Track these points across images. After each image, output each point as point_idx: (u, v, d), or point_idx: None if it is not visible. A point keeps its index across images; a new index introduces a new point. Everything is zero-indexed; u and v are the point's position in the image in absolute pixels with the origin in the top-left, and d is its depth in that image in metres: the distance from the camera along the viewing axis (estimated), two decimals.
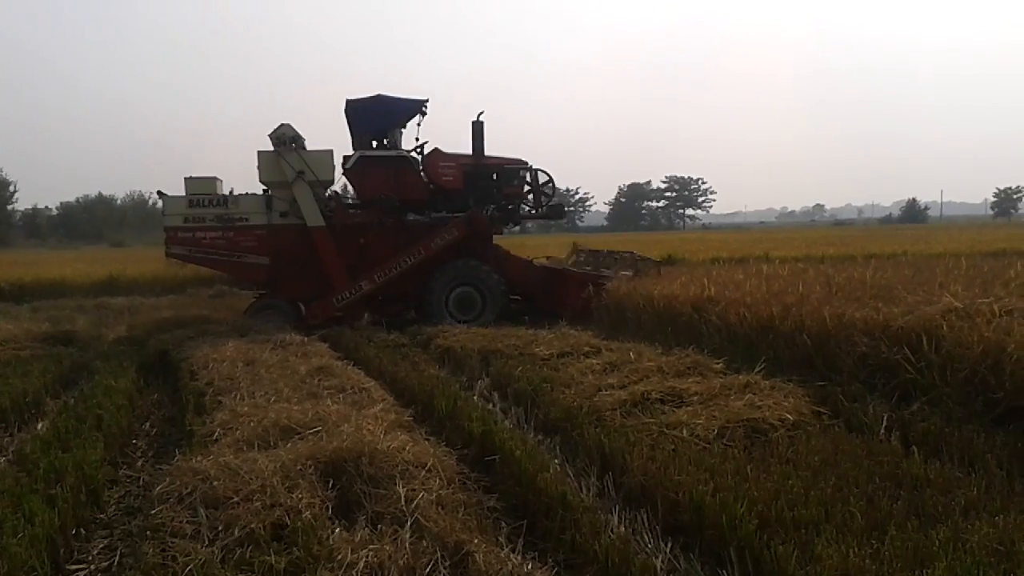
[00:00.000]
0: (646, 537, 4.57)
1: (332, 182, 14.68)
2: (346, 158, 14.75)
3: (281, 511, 4.45)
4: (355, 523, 4.48)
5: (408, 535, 4.27)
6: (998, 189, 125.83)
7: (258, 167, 14.14)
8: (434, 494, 4.80)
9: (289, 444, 5.60)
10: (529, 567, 4.09)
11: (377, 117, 14.84)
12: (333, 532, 4.32)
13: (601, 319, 12.84)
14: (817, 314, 8.36)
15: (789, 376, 7.57)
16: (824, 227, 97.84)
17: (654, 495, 4.91)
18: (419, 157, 14.80)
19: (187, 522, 4.43)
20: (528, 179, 15.43)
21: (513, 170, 15.33)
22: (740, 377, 7.51)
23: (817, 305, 8.74)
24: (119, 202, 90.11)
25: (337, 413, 6.44)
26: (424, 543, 4.19)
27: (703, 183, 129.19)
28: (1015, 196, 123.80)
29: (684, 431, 6.07)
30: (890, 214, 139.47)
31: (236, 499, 4.57)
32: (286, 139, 13.91)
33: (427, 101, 14.69)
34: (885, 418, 6.18)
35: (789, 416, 6.30)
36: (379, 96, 14.54)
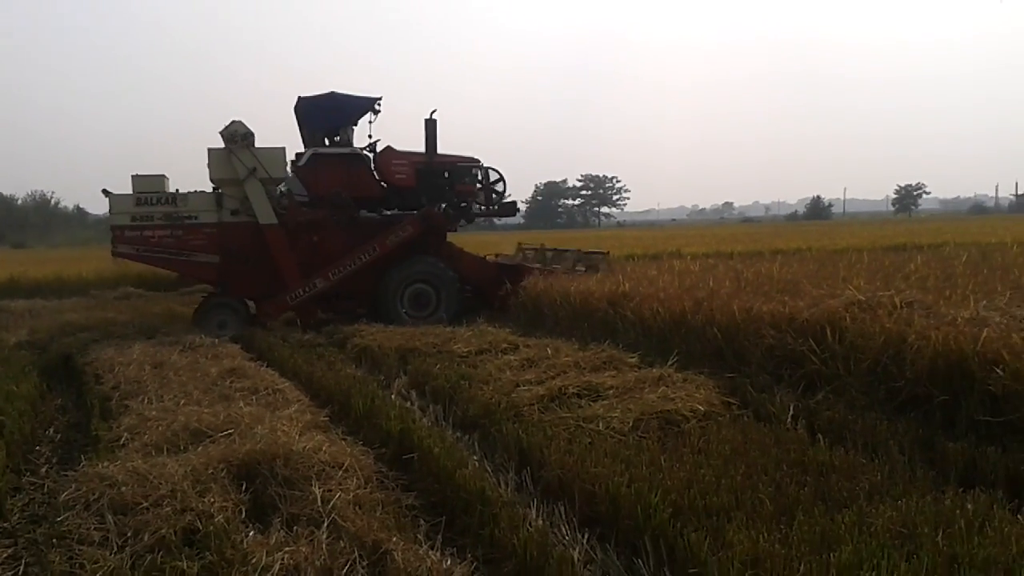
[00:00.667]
0: (564, 529, 4.62)
1: (284, 179, 14.46)
2: (298, 155, 14.62)
3: (192, 516, 4.35)
4: (270, 526, 4.41)
5: (325, 536, 4.23)
6: (899, 186, 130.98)
7: (208, 164, 13.82)
8: (351, 494, 4.78)
9: (200, 448, 5.49)
10: (448, 563, 4.10)
11: (330, 114, 14.72)
12: (247, 535, 4.25)
13: (518, 316, 12.91)
14: (727, 308, 8.57)
15: (701, 368, 7.75)
16: (733, 224, 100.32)
17: (571, 488, 4.98)
18: (371, 155, 14.73)
19: (95, 529, 4.31)
20: (480, 177, 15.49)
21: (465, 168, 15.36)
22: (654, 370, 7.66)
23: (727, 299, 8.97)
24: (20, 202, 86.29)
25: (250, 415, 6.34)
26: (341, 543, 4.16)
27: (617, 182, 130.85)
28: (915, 193, 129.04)
29: (600, 424, 6.16)
30: (796, 211, 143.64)
31: (145, 504, 4.46)
32: (238, 136, 13.60)
33: (380, 99, 14.64)
34: (792, 407, 6.38)
35: (701, 407, 6.46)
36: (332, 93, 14.42)
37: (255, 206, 13.73)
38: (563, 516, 4.78)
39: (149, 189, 13.61)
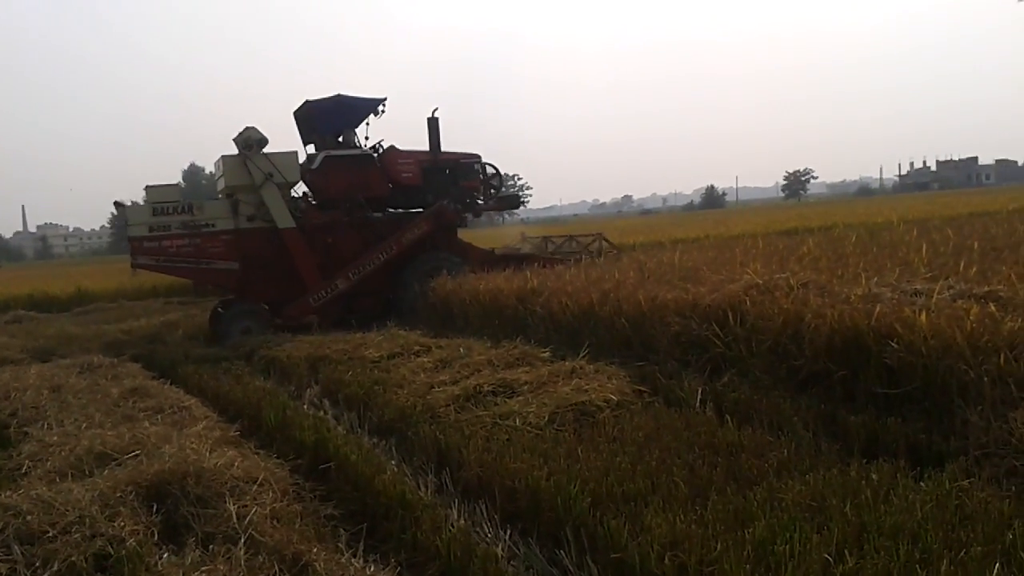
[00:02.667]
0: (486, 527, 4.64)
1: (297, 183, 14.51)
2: (310, 158, 14.73)
3: (103, 541, 4.19)
4: (185, 546, 4.28)
5: (243, 552, 4.13)
6: (787, 172, 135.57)
7: (221, 173, 13.89)
8: (268, 508, 4.67)
9: (106, 471, 5.29)
10: (372, 570, 4.07)
11: (337, 117, 14.96)
12: (161, 558, 4.12)
13: (429, 317, 12.88)
14: (633, 298, 8.73)
15: (611, 359, 7.88)
16: (632, 216, 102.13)
17: (491, 485, 5.00)
18: (376, 155, 14.96)
19: (1, 561, 4.10)
20: (480, 172, 15.89)
21: (468, 164, 15.73)
22: (566, 363, 7.74)
23: (632, 290, 9.14)
24: None
25: (156, 435, 6.14)
26: (260, 558, 4.08)
27: (519, 179, 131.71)
28: (803, 178, 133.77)
29: (517, 420, 6.20)
30: (692, 201, 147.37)
31: (53, 532, 4.26)
32: (252, 142, 13.62)
33: (385, 100, 14.93)
34: (700, 391, 6.54)
35: (613, 397, 6.57)
36: (339, 96, 14.60)
37: (273, 210, 13.82)
38: (485, 514, 4.81)
39: (164, 199, 13.66)
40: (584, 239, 17.34)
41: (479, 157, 16.00)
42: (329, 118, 14.98)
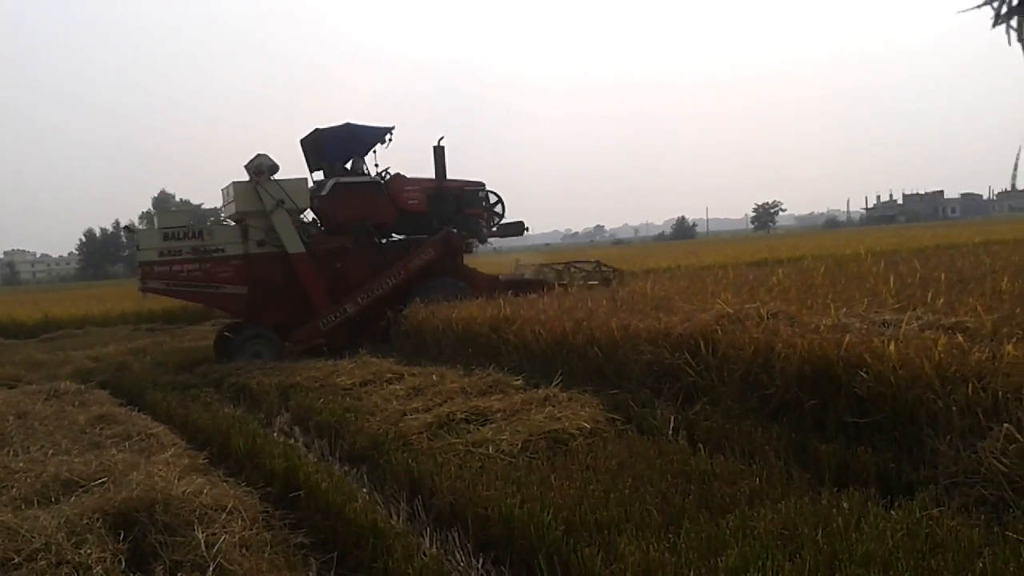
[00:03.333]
0: (459, 555, 4.61)
1: (306, 209, 14.64)
2: (319, 184, 14.99)
3: (69, 568, 4.12)
4: (152, 574, 4.22)
5: None
6: (756, 204, 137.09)
7: (232, 198, 14.07)
8: (237, 536, 4.62)
9: (73, 498, 5.21)
10: None
11: (347, 144, 15.25)
12: None
13: (402, 345, 12.83)
14: (605, 327, 8.77)
15: (584, 387, 7.88)
16: (604, 246, 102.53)
17: (464, 513, 4.97)
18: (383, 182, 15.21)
19: None
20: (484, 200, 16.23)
21: (472, 192, 16.08)
22: (539, 391, 7.74)
23: (605, 318, 9.18)
24: None
25: (124, 462, 6.05)
26: None
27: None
28: (772, 210, 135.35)
29: (490, 448, 6.18)
30: (663, 232, 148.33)
31: (18, 559, 4.19)
32: (264, 168, 13.83)
33: (392, 128, 15.23)
34: (672, 419, 6.57)
35: (586, 424, 6.57)
36: (348, 124, 14.95)
37: (283, 236, 13.97)
38: (457, 542, 4.77)
39: (176, 224, 13.87)
40: (584, 265, 17.48)
41: (483, 185, 16.36)
42: (338, 145, 15.26)
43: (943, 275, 10.53)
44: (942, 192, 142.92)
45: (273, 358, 12.85)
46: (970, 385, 5.11)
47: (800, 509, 4.43)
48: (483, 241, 16.90)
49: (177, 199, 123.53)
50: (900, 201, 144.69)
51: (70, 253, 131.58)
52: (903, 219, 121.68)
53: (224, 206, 15.29)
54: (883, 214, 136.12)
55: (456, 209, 15.81)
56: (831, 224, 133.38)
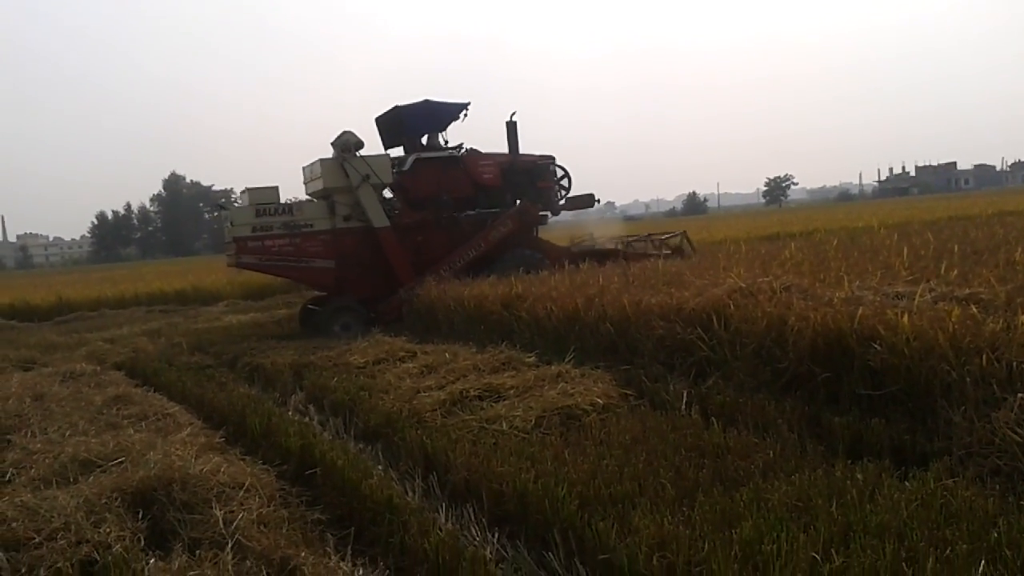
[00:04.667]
0: (474, 530, 4.64)
1: (389, 184, 15.03)
2: (399, 160, 15.36)
3: (89, 547, 4.17)
4: (171, 552, 4.26)
5: (230, 557, 4.12)
6: (768, 179, 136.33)
7: (318, 175, 14.52)
8: (254, 513, 4.66)
9: (91, 478, 5.26)
10: (360, 573, 4.08)
11: (426, 120, 15.67)
12: (148, 563, 4.09)
13: (414, 324, 12.87)
14: (617, 303, 8.76)
15: (596, 363, 7.89)
16: (616, 222, 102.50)
17: (479, 488, 5.00)
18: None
19: None
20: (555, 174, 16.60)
21: (544, 166, 16.39)
22: (552, 368, 7.76)
23: (617, 294, 9.17)
24: None
25: (141, 441, 6.11)
26: (248, 563, 4.07)
27: None
28: (783, 184, 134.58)
29: (503, 424, 6.20)
30: (673, 208, 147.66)
31: (38, 539, 4.24)
32: (350, 145, 14.29)
33: (468, 104, 15.63)
34: (685, 394, 6.57)
35: (599, 400, 6.58)
36: (427, 101, 15.33)
37: (369, 211, 14.41)
38: (472, 517, 4.80)
39: (266, 200, 14.23)
40: (668, 239, 17.44)
41: (554, 159, 16.63)
42: (417, 121, 15.62)
43: (956, 247, 10.47)
44: (955, 164, 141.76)
45: (362, 330, 12.99)
46: (984, 356, 5.08)
47: (814, 481, 4.43)
48: (556, 213, 17.14)
49: (188, 180, 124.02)
50: (913, 173, 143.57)
51: (82, 236, 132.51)
52: (916, 191, 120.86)
53: (307, 183, 15.64)
54: (896, 186, 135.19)
55: (528, 183, 16.13)
56: (843, 197, 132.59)
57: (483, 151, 15.83)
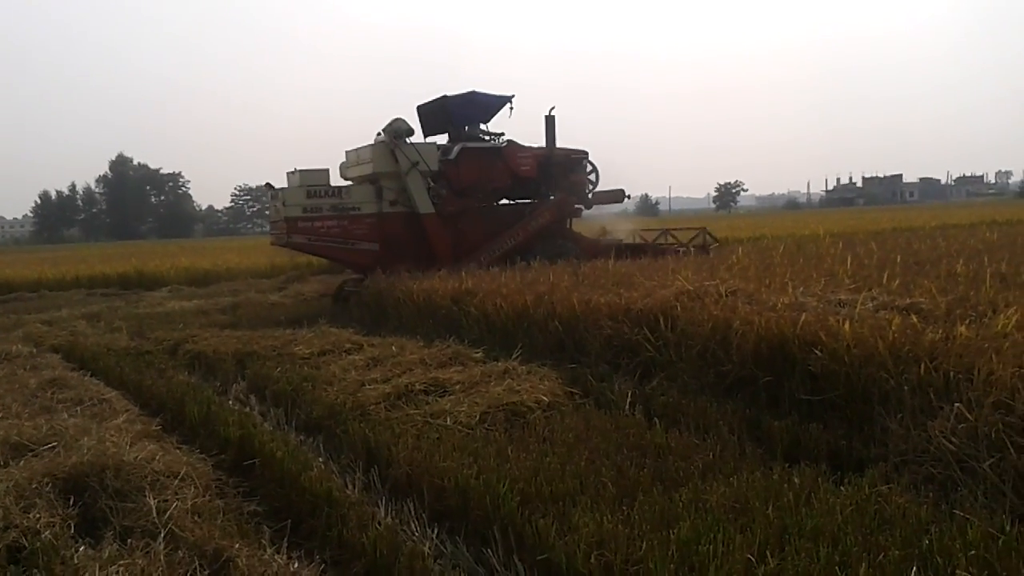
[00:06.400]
0: (413, 525, 4.60)
1: (436, 172, 15.35)
2: (446, 148, 15.71)
3: (17, 532, 4.07)
4: (102, 540, 4.17)
5: (162, 547, 4.03)
6: (719, 184, 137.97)
7: (368, 160, 15.00)
8: (189, 503, 4.59)
9: (22, 462, 5.13)
10: (296, 566, 4.01)
11: (472, 111, 16.18)
12: (77, 551, 4.00)
13: (362, 316, 12.76)
14: (567, 301, 8.78)
15: (544, 361, 7.90)
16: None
17: (420, 483, 4.96)
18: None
19: None
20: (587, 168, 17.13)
21: (577, 159, 16.93)
22: (499, 364, 7.74)
23: (567, 293, 9.19)
24: None
25: (75, 427, 5.97)
26: (180, 553, 3.99)
27: None
28: (733, 190, 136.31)
29: (448, 419, 6.17)
30: (626, 209, 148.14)
31: None
32: (401, 132, 14.76)
33: (513, 96, 16.17)
34: (629, 394, 6.60)
35: (545, 398, 6.58)
36: (473, 92, 15.95)
37: (415, 196, 14.97)
38: (412, 512, 4.76)
39: (317, 182, 14.66)
40: (679, 234, 18.06)
41: (587, 153, 17.12)
42: (464, 112, 16.09)
43: (899, 257, 10.71)
44: (901, 176, 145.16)
45: None
46: (922, 365, 5.18)
47: (752, 483, 4.48)
48: (588, 207, 17.52)
49: (135, 163, 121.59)
50: (859, 184, 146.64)
51: (24, 216, 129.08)
52: (862, 202, 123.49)
53: (350, 167, 16.03)
54: (842, 196, 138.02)
55: (562, 176, 16.58)
56: (791, 205, 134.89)
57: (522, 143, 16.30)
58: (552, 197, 16.61)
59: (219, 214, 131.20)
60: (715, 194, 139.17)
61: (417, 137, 15.78)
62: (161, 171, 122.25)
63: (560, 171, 16.61)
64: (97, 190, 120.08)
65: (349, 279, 15.95)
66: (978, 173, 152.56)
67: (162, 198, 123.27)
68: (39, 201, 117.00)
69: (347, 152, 16.16)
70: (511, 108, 16.24)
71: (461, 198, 15.67)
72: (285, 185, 15.21)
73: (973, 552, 3.45)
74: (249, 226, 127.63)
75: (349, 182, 15.91)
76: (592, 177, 17.26)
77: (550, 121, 16.43)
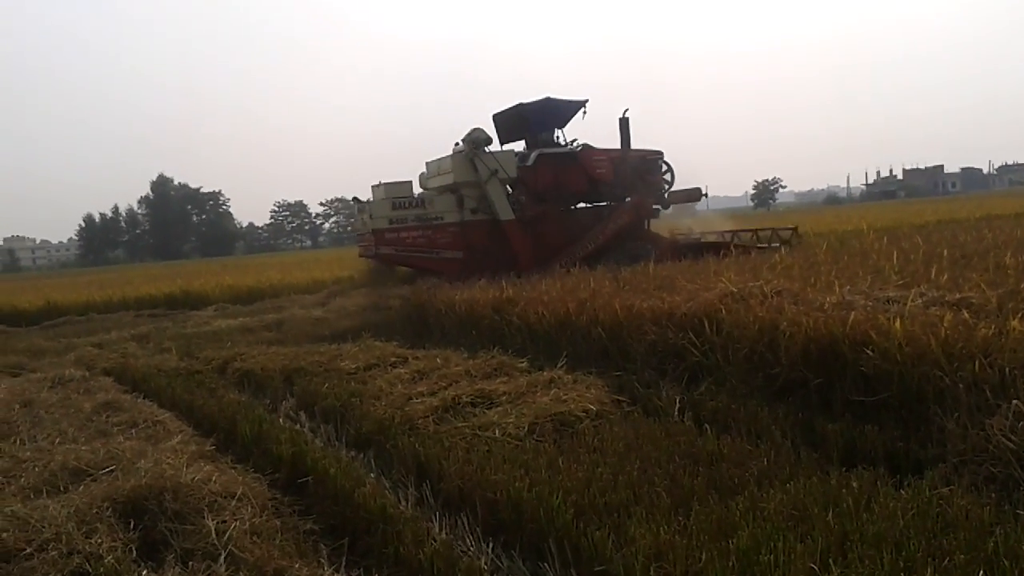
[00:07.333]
0: (468, 540, 4.62)
1: (514, 178, 15.78)
2: (523, 155, 16.12)
3: (80, 558, 4.13)
4: (164, 563, 4.23)
5: (223, 568, 4.09)
6: (756, 182, 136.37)
7: (448, 170, 15.46)
8: (247, 523, 4.63)
9: (82, 487, 5.21)
10: None
11: (548, 117, 16.49)
12: (140, 574, 4.06)
13: (404, 328, 12.82)
14: (609, 307, 8.75)
15: (589, 368, 7.87)
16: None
17: (472, 497, 4.97)
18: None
19: None
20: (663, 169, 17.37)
21: (653, 160, 17.15)
22: (544, 374, 7.73)
23: (608, 299, 9.16)
24: None
25: (131, 449, 6.05)
26: (242, 574, 4.03)
27: None
28: (771, 187, 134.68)
29: (496, 431, 6.17)
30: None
31: (29, 550, 4.20)
32: (480, 141, 15.20)
33: (587, 101, 16.48)
34: (678, 400, 6.57)
35: (592, 407, 6.56)
36: (548, 98, 16.36)
37: (496, 203, 15.39)
38: (466, 527, 4.78)
39: (401, 194, 15.26)
40: (765, 233, 17.80)
41: (662, 154, 17.31)
42: (540, 118, 16.40)
43: (946, 251, 10.51)
44: (942, 167, 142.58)
45: None
46: (977, 362, 5.09)
47: (809, 489, 4.42)
48: (665, 207, 17.65)
49: (176, 183, 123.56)
50: (900, 176, 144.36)
51: (69, 239, 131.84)
52: (903, 194, 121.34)
53: (430, 177, 16.45)
54: (883, 189, 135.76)
55: (638, 177, 16.72)
56: (831, 200, 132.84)
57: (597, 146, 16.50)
58: (629, 199, 16.75)
59: (259, 231, 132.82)
60: (753, 192, 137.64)
61: (494, 145, 16.06)
62: (201, 190, 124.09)
63: (635, 173, 16.72)
64: (140, 211, 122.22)
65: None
66: (1021, 161, 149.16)
67: (203, 217, 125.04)
68: (83, 224, 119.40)
69: (427, 163, 16.53)
70: (584, 112, 16.46)
71: (540, 203, 15.95)
72: (371, 198, 15.74)
73: None
74: (289, 242, 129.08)
75: (427, 192, 16.34)
76: (668, 177, 17.35)
77: (624, 123, 16.59)
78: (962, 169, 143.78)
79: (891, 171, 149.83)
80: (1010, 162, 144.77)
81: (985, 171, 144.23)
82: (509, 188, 15.90)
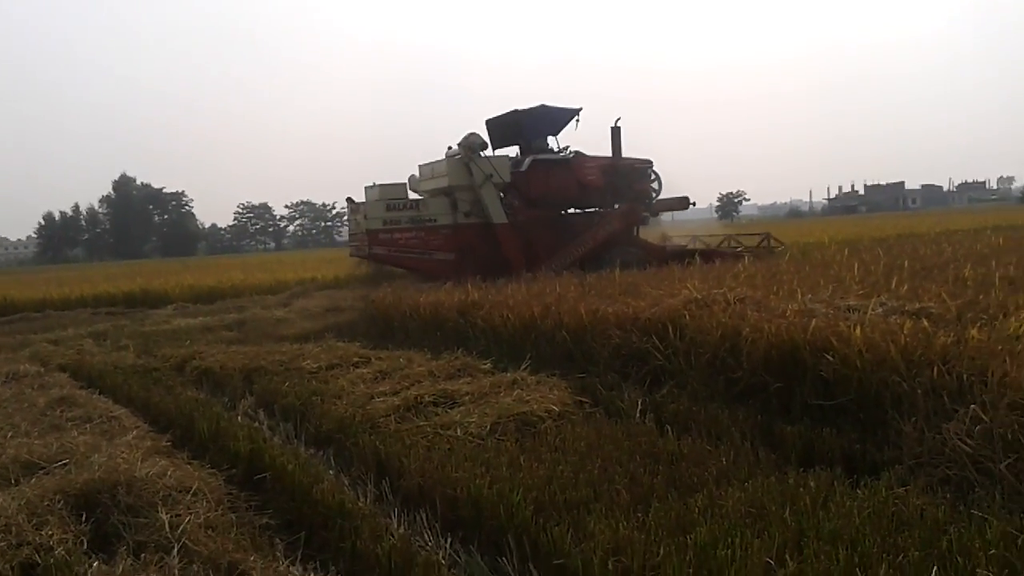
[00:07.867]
0: (427, 536, 4.59)
1: (508, 183, 15.90)
2: (517, 160, 16.31)
3: (30, 549, 4.04)
4: (115, 555, 4.14)
5: (176, 561, 4.01)
6: (721, 194, 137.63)
7: (443, 173, 15.52)
8: (202, 517, 4.56)
9: (33, 480, 5.11)
10: None
11: (542, 124, 16.67)
12: (91, 567, 3.97)
13: (368, 330, 12.75)
14: (574, 311, 8.77)
15: (552, 371, 7.87)
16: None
17: (432, 494, 4.94)
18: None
19: None
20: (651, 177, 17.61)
21: (642, 169, 17.41)
22: (508, 375, 7.72)
23: (573, 303, 9.18)
24: None
25: (85, 444, 5.96)
26: (195, 567, 3.97)
27: None
28: (736, 200, 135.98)
29: (458, 430, 6.15)
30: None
31: None
32: (475, 146, 15.34)
33: (580, 110, 16.60)
34: (640, 402, 6.59)
35: (555, 407, 6.56)
36: (543, 106, 16.18)
37: (490, 207, 15.52)
38: (425, 523, 4.75)
39: (395, 196, 15.37)
40: (744, 239, 18.59)
41: (651, 163, 17.57)
42: (535, 125, 16.56)
43: (906, 262, 10.71)
44: (903, 183, 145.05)
45: None
46: (935, 368, 5.17)
47: (767, 488, 4.46)
48: (654, 215, 18.04)
49: (138, 182, 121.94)
50: (862, 192, 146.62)
51: (28, 236, 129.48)
52: (864, 209, 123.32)
53: (423, 180, 16.47)
54: (845, 204, 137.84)
55: (626, 185, 17.01)
56: (794, 214, 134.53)
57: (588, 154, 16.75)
58: (618, 206, 16.95)
59: (222, 232, 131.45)
60: (717, 204, 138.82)
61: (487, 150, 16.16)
62: (164, 190, 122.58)
63: (625, 180, 16.98)
64: (100, 210, 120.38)
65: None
66: (980, 179, 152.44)
67: (166, 217, 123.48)
68: (43, 222, 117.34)
69: (420, 166, 16.62)
70: (577, 121, 16.60)
71: (532, 208, 16.13)
72: (364, 199, 15.79)
73: (993, 551, 3.43)
74: (252, 244, 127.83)
75: (419, 195, 16.39)
76: (655, 185, 17.59)
77: (616, 132, 16.83)
78: (923, 186, 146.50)
79: (853, 187, 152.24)
80: (970, 180, 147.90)
81: (945, 188, 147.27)
82: (502, 193, 16.05)
